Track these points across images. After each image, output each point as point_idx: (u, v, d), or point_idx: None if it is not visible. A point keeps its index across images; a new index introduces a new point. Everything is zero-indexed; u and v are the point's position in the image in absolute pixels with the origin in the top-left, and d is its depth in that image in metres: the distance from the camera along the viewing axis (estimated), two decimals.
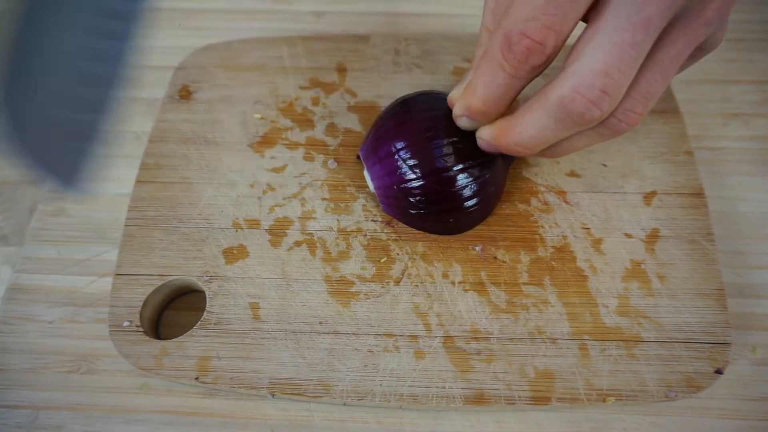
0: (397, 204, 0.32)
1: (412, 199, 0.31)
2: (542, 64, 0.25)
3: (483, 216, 0.33)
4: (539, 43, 0.24)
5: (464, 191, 0.31)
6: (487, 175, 0.31)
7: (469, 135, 0.31)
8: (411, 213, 0.32)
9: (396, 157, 0.31)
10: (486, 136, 0.30)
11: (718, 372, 0.30)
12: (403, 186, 0.31)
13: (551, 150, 0.30)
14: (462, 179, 0.31)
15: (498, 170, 0.32)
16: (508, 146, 0.28)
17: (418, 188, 0.31)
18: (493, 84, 0.27)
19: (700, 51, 0.28)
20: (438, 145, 0.30)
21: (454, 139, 0.31)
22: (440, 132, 0.31)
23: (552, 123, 0.26)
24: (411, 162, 0.31)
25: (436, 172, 0.31)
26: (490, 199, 0.32)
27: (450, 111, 0.31)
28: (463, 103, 0.29)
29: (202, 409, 0.31)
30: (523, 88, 0.27)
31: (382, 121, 0.33)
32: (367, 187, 0.35)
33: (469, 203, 0.31)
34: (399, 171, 0.31)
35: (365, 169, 0.33)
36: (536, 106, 0.26)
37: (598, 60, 0.24)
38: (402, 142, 0.31)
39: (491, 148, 0.30)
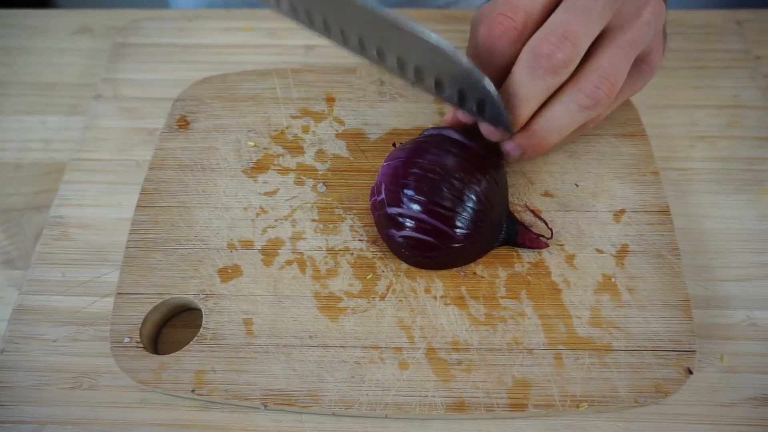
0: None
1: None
2: (517, 40, 0.32)
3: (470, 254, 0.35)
4: (511, 18, 0.31)
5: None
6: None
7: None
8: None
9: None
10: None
11: (689, 372, 0.32)
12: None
13: (538, 123, 0.34)
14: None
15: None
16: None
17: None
18: (475, 59, 0.33)
19: (645, 63, 0.34)
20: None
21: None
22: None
23: (525, 73, 0.31)
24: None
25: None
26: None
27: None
28: None
29: (198, 422, 0.33)
30: (501, 64, 0.33)
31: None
32: (354, 208, 0.37)
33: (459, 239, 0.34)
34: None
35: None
36: (516, 64, 0.32)
37: (559, 17, 0.31)
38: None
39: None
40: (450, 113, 0.36)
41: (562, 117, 0.33)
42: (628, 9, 0.32)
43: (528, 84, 0.31)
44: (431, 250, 0.34)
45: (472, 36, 0.34)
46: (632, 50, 0.32)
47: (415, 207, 0.33)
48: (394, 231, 0.34)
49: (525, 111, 0.33)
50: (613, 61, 0.31)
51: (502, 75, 0.33)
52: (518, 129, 0.34)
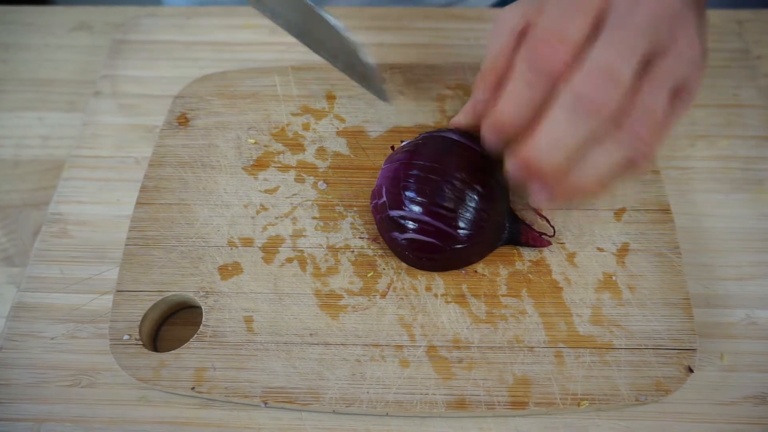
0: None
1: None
2: (558, 71, 0.29)
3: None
4: (559, 51, 0.28)
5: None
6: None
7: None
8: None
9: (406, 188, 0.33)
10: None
11: (690, 370, 0.32)
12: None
13: (577, 168, 0.30)
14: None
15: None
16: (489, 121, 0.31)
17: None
18: (514, 92, 0.30)
19: (684, 92, 0.30)
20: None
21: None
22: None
23: (564, 113, 0.28)
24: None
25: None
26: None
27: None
28: (489, 120, 0.31)
29: (197, 420, 0.33)
30: (540, 100, 0.29)
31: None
32: (355, 206, 0.37)
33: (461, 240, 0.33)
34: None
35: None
36: (554, 104, 0.29)
37: (599, 53, 0.28)
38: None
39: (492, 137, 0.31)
40: (455, 117, 0.35)
41: (601, 163, 0.29)
42: (663, 36, 0.29)
43: (566, 125, 0.29)
44: (434, 251, 0.33)
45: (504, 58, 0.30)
46: (667, 82, 0.29)
47: (417, 209, 0.33)
48: (396, 234, 0.34)
49: (560, 153, 0.29)
50: (649, 98, 0.28)
51: (534, 104, 0.30)
52: (555, 174, 0.30)
